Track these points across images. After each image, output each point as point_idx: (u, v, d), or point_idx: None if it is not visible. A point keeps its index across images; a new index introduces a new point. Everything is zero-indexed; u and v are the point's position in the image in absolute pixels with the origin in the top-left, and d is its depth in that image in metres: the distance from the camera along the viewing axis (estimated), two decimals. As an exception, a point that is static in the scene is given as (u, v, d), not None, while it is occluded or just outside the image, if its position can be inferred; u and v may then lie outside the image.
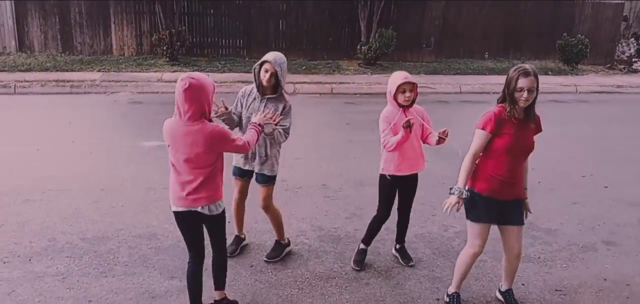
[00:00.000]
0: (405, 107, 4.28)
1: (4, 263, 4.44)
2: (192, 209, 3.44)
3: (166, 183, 3.58)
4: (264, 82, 4.22)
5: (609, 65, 17.94)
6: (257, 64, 4.27)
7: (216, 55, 15.62)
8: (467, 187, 3.71)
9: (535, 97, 3.62)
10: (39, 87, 11.50)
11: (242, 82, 12.66)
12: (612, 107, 12.49)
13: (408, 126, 4.07)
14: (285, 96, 4.32)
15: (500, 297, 4.23)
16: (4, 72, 12.43)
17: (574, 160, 7.86)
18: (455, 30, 17.01)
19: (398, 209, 4.66)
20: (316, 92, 12.56)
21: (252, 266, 4.57)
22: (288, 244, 4.79)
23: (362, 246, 4.68)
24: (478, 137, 3.71)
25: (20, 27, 14.48)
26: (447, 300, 4.11)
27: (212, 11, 15.41)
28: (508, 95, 3.63)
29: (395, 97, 4.26)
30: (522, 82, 3.53)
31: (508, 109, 3.65)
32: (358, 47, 15.38)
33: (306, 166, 7.12)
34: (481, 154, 3.75)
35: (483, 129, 3.69)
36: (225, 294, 3.90)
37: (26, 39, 14.62)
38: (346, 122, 9.70)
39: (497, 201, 3.74)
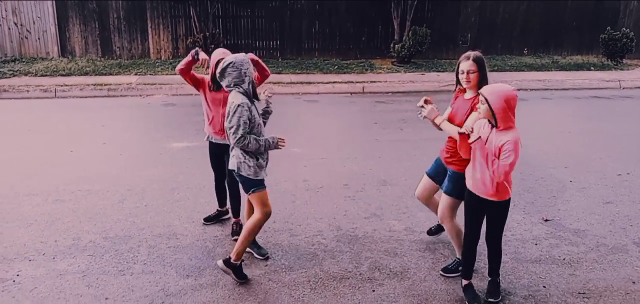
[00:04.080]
0: (464, 90, 4.16)
1: (30, 260, 4.61)
2: None
3: (190, 184, 3.63)
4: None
5: (655, 58, 17.13)
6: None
7: (250, 57, 15.75)
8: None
9: (482, 80, 3.99)
10: (78, 91, 11.91)
11: (273, 83, 12.77)
12: (657, 102, 11.92)
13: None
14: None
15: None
16: (46, 77, 12.95)
17: (611, 158, 7.53)
18: (492, 26, 16.63)
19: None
20: (347, 92, 12.52)
21: (266, 265, 4.58)
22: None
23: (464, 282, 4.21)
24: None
25: (62, 33, 15.05)
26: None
27: (246, 13, 15.60)
28: (456, 78, 4.14)
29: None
30: (463, 65, 4.01)
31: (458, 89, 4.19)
32: (391, 45, 15.25)
33: (330, 166, 7.09)
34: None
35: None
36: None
37: (68, 45, 15.18)
38: (374, 121, 9.61)
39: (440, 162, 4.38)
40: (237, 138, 3.96)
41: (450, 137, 4.21)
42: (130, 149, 7.79)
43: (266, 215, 4.22)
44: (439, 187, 4.51)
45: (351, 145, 8.09)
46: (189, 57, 4.73)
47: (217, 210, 5.39)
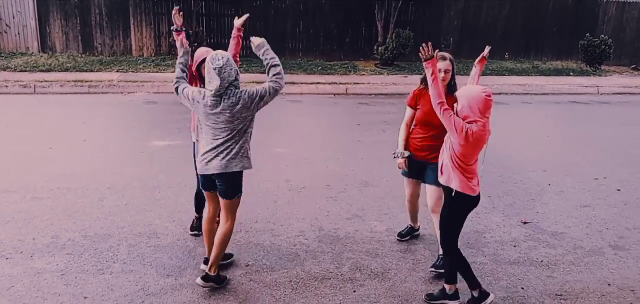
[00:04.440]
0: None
1: (7, 259, 4.53)
2: None
3: (171, 183, 3.60)
4: None
5: (634, 66, 17.49)
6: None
7: (233, 56, 15.70)
8: (405, 150, 4.60)
9: (453, 79, 4.39)
10: (59, 88, 11.73)
11: (257, 82, 12.73)
12: (634, 109, 12.17)
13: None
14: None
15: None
16: (25, 73, 12.74)
17: (588, 162, 7.67)
18: (475, 30, 16.82)
19: None
20: (331, 93, 12.55)
21: (248, 265, 4.57)
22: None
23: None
24: (406, 112, 4.66)
25: (43, 28, 14.83)
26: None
27: (230, 12, 15.53)
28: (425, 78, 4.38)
29: None
30: (440, 65, 4.26)
31: (425, 88, 4.44)
32: (375, 47, 15.32)
33: (312, 166, 7.11)
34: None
35: (408, 104, 4.66)
36: None
37: (49, 40, 14.96)
38: (358, 122, 9.65)
39: (416, 161, 4.57)
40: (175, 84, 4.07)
41: (422, 134, 4.51)
42: (111, 147, 7.71)
43: (234, 223, 4.17)
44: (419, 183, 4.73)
45: (334, 146, 8.11)
46: (178, 42, 4.48)
47: (196, 217, 5.12)
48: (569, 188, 6.63)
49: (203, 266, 4.34)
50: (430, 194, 4.50)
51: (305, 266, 4.59)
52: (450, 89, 4.35)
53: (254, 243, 4.96)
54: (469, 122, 3.61)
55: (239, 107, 3.84)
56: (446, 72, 4.33)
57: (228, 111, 3.83)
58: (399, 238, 5.10)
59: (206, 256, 4.34)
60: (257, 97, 3.90)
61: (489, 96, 3.64)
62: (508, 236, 5.27)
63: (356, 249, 4.90)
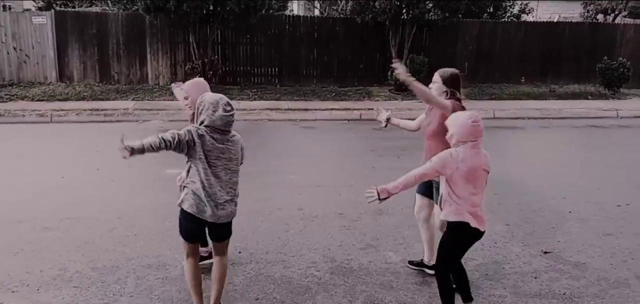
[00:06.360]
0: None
1: (13, 292, 4.46)
2: None
3: None
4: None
5: (654, 88, 17.14)
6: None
7: (248, 83, 15.79)
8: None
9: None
10: (74, 116, 11.83)
11: (271, 109, 12.72)
12: (656, 132, 11.87)
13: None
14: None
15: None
16: (42, 102, 12.88)
17: (609, 188, 7.43)
18: (490, 55, 16.68)
19: None
20: (345, 119, 12.47)
21: (257, 299, 4.44)
22: None
23: None
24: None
25: (61, 58, 15.03)
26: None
27: (245, 40, 15.62)
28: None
29: None
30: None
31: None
32: (389, 73, 15.25)
33: (325, 194, 6.98)
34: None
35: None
36: None
37: (66, 70, 15.15)
38: (371, 148, 9.53)
39: None
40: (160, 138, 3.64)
41: (434, 147, 4.32)
42: (123, 176, 7.68)
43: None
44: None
45: (347, 172, 7.99)
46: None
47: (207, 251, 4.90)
48: (590, 216, 6.40)
49: None
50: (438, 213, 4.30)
51: (317, 299, 4.44)
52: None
53: (264, 274, 4.82)
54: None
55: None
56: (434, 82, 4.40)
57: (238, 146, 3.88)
58: (408, 264, 4.98)
59: None
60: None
61: (476, 122, 3.64)
62: (528, 267, 5.06)
63: (370, 281, 4.73)
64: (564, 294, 4.60)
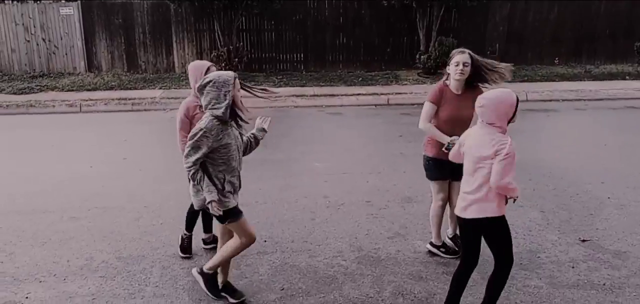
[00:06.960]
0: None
1: (40, 282, 4.47)
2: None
3: None
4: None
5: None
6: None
7: (274, 70, 15.70)
8: (450, 140, 4.21)
9: (473, 74, 4.30)
10: (103, 106, 11.95)
11: (297, 96, 12.61)
12: (699, 112, 11.32)
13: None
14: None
15: (449, 241, 4.84)
16: (72, 92, 13.06)
17: (651, 173, 7.09)
18: (521, 35, 16.15)
19: None
20: (372, 104, 12.26)
21: (282, 289, 4.34)
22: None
23: None
24: (425, 107, 4.47)
25: (89, 48, 15.21)
26: (430, 248, 4.81)
27: (270, 26, 15.52)
28: (449, 71, 4.34)
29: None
30: (457, 58, 4.24)
31: (449, 84, 4.37)
32: (417, 56, 14.95)
33: (352, 181, 6.84)
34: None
35: (429, 100, 4.44)
36: None
37: (95, 60, 15.32)
38: (400, 134, 9.33)
39: (445, 161, 4.19)
40: (187, 163, 3.63)
41: (448, 132, 4.34)
42: (150, 165, 7.68)
43: (250, 240, 3.90)
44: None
45: (375, 159, 7.82)
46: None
47: (186, 235, 4.92)
48: (630, 202, 6.10)
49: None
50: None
51: (343, 290, 4.32)
52: (469, 89, 4.33)
53: (289, 264, 4.73)
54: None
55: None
56: (464, 64, 4.24)
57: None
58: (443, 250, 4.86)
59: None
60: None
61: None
62: (565, 256, 4.84)
63: (398, 272, 4.59)
64: (604, 284, 4.37)
